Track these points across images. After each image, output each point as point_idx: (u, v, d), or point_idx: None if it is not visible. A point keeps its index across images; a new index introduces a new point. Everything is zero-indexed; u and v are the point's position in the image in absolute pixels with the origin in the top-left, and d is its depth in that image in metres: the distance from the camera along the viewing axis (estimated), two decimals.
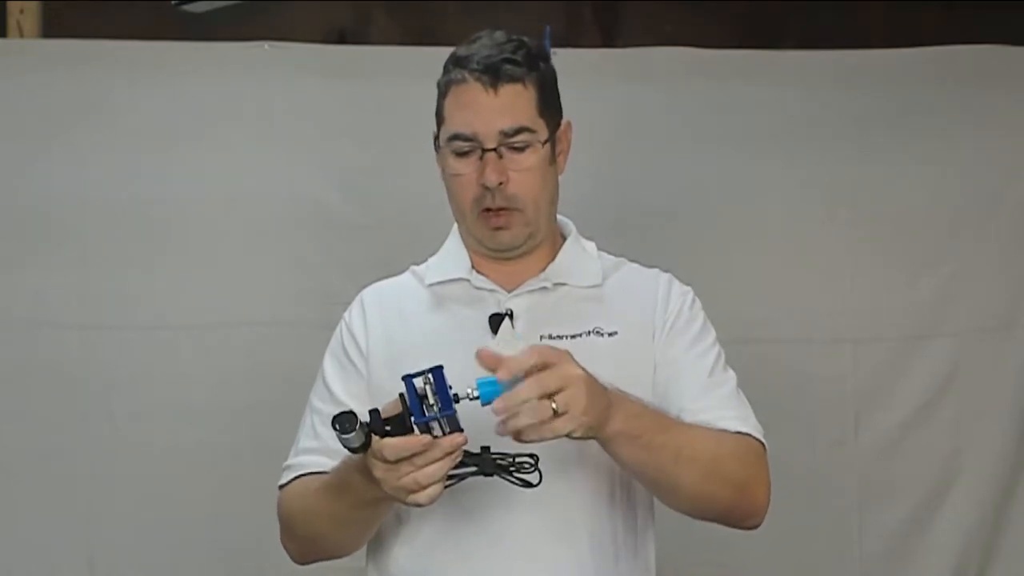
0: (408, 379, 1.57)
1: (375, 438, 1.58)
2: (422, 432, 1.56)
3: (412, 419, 1.56)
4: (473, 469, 1.63)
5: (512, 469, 1.65)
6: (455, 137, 1.83)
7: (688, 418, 1.78)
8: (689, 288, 1.93)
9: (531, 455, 1.64)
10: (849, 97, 3.12)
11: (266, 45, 3.09)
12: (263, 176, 3.04)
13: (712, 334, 1.90)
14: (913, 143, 3.11)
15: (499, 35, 1.86)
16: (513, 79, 1.81)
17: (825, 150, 3.11)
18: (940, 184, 3.11)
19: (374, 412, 1.59)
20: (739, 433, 1.80)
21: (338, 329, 1.93)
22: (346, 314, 1.94)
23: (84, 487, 2.95)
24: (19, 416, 2.96)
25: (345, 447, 1.59)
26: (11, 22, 3.18)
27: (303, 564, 1.90)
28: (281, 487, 1.88)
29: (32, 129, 3.01)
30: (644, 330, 1.86)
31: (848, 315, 3.08)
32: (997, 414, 3.07)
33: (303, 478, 1.84)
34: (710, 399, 1.82)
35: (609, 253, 1.97)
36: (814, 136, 3.11)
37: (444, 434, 1.57)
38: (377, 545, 1.87)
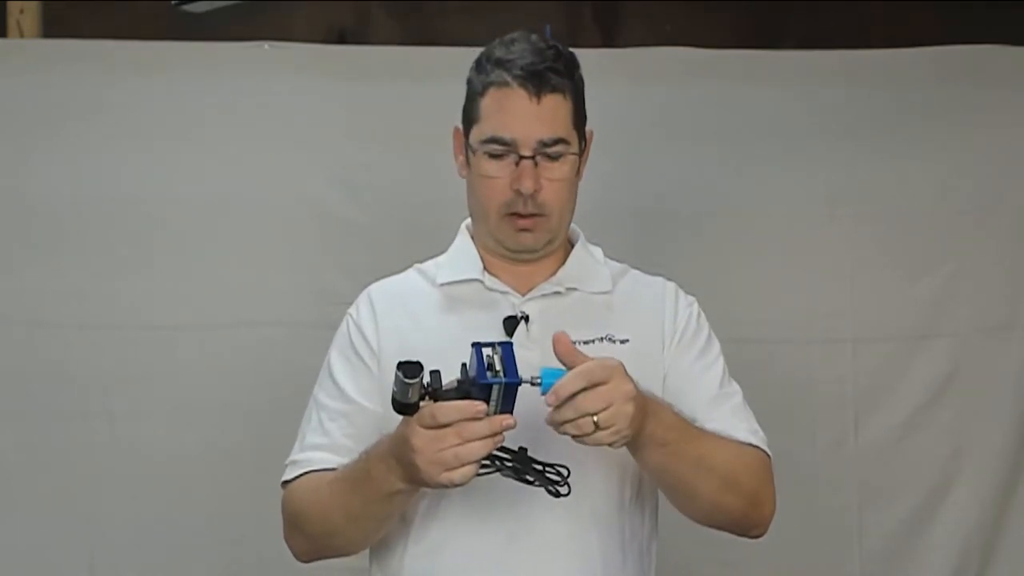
0: (477, 346, 1.60)
1: (425, 402, 1.60)
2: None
3: (477, 379, 1.59)
4: (510, 464, 1.65)
5: (543, 472, 1.67)
6: (492, 140, 1.83)
7: None
8: (694, 298, 1.95)
9: (563, 467, 1.67)
10: (849, 97, 3.12)
11: (266, 45, 3.09)
12: (263, 176, 3.03)
13: (717, 345, 1.93)
14: (913, 143, 3.11)
15: (536, 39, 1.86)
16: (555, 89, 1.83)
17: (825, 150, 3.11)
18: (940, 184, 3.11)
19: (435, 372, 1.61)
20: (749, 445, 1.84)
21: (344, 326, 1.92)
22: (352, 311, 1.93)
23: (84, 487, 2.95)
24: (19, 416, 2.96)
25: (397, 401, 1.60)
26: (11, 22, 3.18)
27: (307, 562, 1.89)
28: (286, 483, 1.86)
29: (32, 129, 3.00)
30: (654, 339, 1.88)
31: (848, 315, 3.08)
32: (997, 414, 3.07)
33: (312, 474, 1.83)
34: (721, 412, 1.85)
35: (613, 259, 1.99)
36: (814, 136, 3.11)
37: (496, 413, 1.59)
38: (382, 545, 1.86)
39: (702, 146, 3.09)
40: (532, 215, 1.84)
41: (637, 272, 1.99)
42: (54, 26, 3.22)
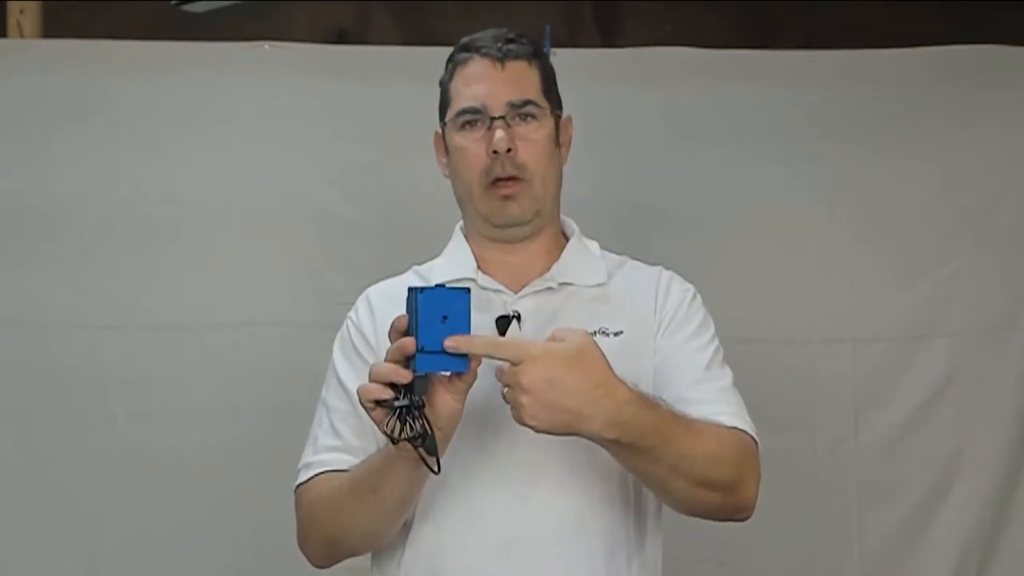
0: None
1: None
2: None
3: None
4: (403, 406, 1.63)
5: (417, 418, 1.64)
6: (463, 112, 1.86)
7: (683, 408, 1.76)
8: (691, 286, 1.94)
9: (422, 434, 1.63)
10: (849, 97, 3.12)
11: (266, 45, 3.09)
12: (263, 176, 3.03)
13: (711, 331, 1.90)
14: (913, 143, 3.11)
15: (498, 29, 1.90)
16: (519, 57, 1.87)
17: (825, 150, 3.10)
18: (940, 184, 3.11)
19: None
20: (734, 428, 1.80)
21: (344, 328, 1.93)
22: (352, 313, 1.94)
23: (84, 487, 2.95)
24: (19, 416, 2.96)
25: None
26: (11, 22, 3.18)
27: (324, 566, 1.88)
28: (300, 485, 1.86)
29: (32, 129, 3.00)
30: (647, 328, 1.87)
31: (848, 315, 3.08)
32: (997, 414, 3.07)
33: (328, 474, 1.83)
34: (705, 391, 1.82)
35: (614, 252, 1.98)
36: (814, 136, 3.11)
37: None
38: (384, 549, 1.85)
39: (702, 146, 3.09)
40: (512, 178, 1.84)
41: (637, 263, 1.98)
42: (54, 26, 3.22)
